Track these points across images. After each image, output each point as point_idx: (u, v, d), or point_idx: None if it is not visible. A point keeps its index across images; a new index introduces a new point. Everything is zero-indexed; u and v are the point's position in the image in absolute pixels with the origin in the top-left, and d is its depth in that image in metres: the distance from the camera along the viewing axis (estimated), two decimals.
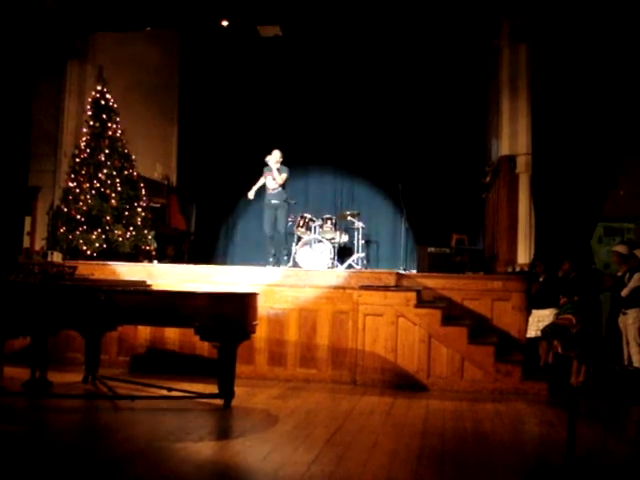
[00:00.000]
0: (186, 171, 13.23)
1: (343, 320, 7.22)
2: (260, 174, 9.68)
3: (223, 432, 5.23)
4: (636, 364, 6.66)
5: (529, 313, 7.37)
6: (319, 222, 10.70)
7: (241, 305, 5.77)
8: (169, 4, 9.15)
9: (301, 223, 10.66)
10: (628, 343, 6.89)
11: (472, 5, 8.82)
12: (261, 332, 6.88)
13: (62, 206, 9.38)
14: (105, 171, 9.36)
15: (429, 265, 8.84)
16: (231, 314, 5.70)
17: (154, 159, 12.28)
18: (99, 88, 9.78)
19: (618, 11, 7.68)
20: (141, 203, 9.87)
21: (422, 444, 4.71)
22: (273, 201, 9.40)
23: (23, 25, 9.14)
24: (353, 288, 7.26)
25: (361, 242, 10.85)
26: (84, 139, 9.66)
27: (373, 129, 12.34)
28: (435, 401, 6.38)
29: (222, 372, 5.77)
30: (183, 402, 5.82)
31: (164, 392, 6.01)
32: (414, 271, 9.13)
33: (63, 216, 9.28)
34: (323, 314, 7.27)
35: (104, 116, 9.68)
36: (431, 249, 9.05)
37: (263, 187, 9.57)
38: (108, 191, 9.33)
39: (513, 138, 9.08)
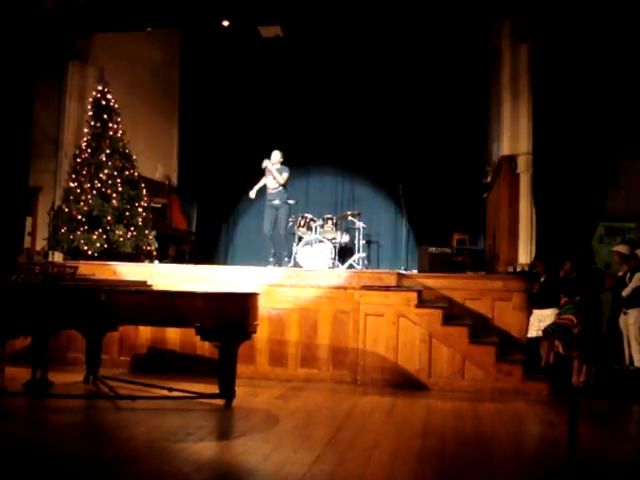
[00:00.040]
0: (187, 171, 13.24)
1: (344, 320, 7.22)
2: (261, 174, 9.68)
3: (224, 432, 5.23)
4: (637, 364, 6.66)
5: (530, 313, 7.36)
6: (320, 222, 10.70)
7: (242, 305, 5.77)
8: (170, 4, 9.16)
9: (302, 223, 10.66)
10: (629, 343, 6.89)
11: (473, 5, 8.82)
12: (262, 332, 6.88)
13: (63, 206, 9.38)
14: (106, 171, 9.36)
15: (430, 265, 8.84)
16: (232, 314, 5.70)
17: (155, 159, 12.29)
18: (100, 88, 9.78)
19: (618, 11, 7.68)
20: (142, 203, 9.87)
21: (423, 444, 4.71)
22: (274, 201, 9.39)
23: (24, 26, 9.16)
24: (354, 288, 7.26)
25: (362, 242, 10.86)
26: (85, 139, 9.66)
27: (374, 129, 12.34)
28: (436, 401, 6.38)
29: (223, 372, 5.77)
30: (184, 402, 5.82)
31: (165, 392, 6.00)
32: (415, 271, 9.12)
33: (64, 216, 9.28)
34: (324, 314, 7.27)
35: (105, 116, 9.68)
36: (432, 249, 9.04)
37: (264, 187, 9.57)
38: (109, 191, 9.33)
39: (514, 138, 9.07)
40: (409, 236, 11.08)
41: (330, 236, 10.57)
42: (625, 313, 6.95)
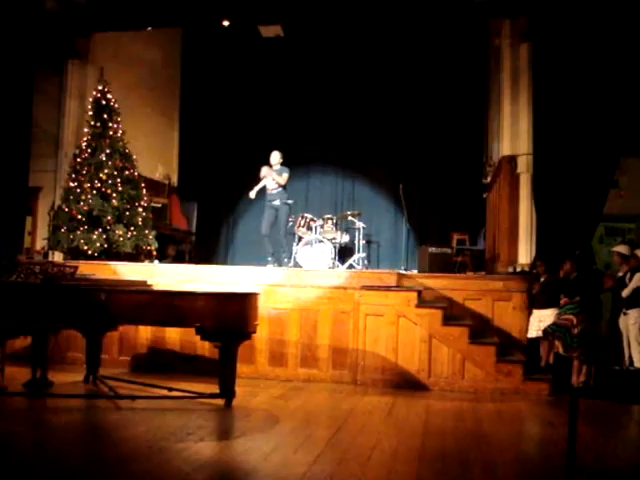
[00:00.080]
0: (187, 171, 13.24)
1: (344, 320, 7.22)
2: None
3: (224, 432, 5.23)
4: (637, 364, 6.66)
5: (530, 313, 7.36)
6: (320, 222, 10.70)
7: (242, 305, 5.77)
8: (170, 4, 9.16)
9: (302, 223, 10.66)
10: (629, 343, 6.90)
11: (473, 5, 8.82)
12: (262, 332, 6.88)
13: (63, 206, 9.38)
14: (106, 171, 9.36)
15: (430, 265, 8.83)
16: (232, 314, 5.69)
17: (155, 159, 12.29)
18: (100, 88, 9.77)
19: (619, 11, 7.68)
20: (142, 203, 9.87)
21: (423, 444, 4.71)
22: (274, 202, 9.39)
23: (23, 25, 9.15)
24: (354, 288, 7.26)
25: (362, 242, 10.86)
26: (85, 139, 9.65)
27: (374, 129, 12.36)
28: (436, 401, 6.38)
29: (223, 372, 5.77)
30: (184, 402, 5.82)
31: (165, 392, 6.00)
32: (415, 271, 9.12)
33: (64, 216, 9.28)
34: (324, 314, 7.27)
35: (105, 116, 9.67)
36: (432, 249, 9.03)
37: (264, 187, 9.56)
38: (109, 191, 9.33)
39: (514, 138, 9.07)
40: (409, 236, 11.08)
41: (330, 236, 10.57)
42: (625, 314, 6.95)
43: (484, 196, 11.32)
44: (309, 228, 10.63)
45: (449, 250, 9.43)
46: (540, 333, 7.11)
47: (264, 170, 9.36)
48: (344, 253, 11.12)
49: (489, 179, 10.84)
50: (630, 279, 6.90)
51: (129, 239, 9.41)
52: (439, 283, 7.72)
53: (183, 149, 13.36)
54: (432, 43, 11.86)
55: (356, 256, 10.64)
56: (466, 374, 6.89)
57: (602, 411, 5.51)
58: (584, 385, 6.46)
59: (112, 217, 9.27)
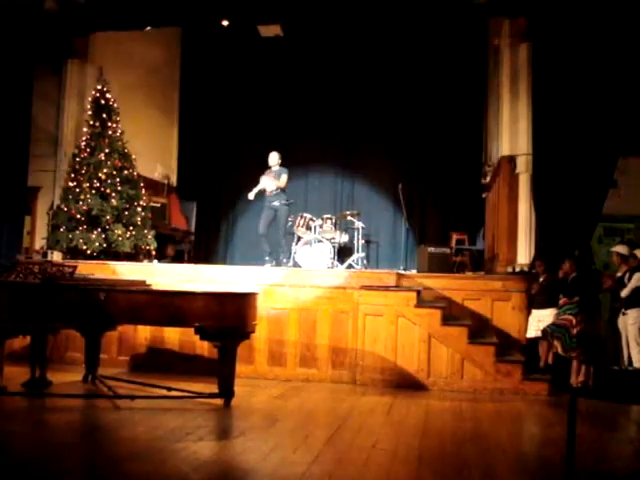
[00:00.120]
0: (186, 170, 13.23)
1: (343, 320, 7.22)
2: (260, 174, 9.68)
3: (223, 432, 5.23)
4: (636, 364, 6.67)
5: (529, 313, 7.37)
6: (319, 222, 10.69)
7: (241, 305, 5.77)
8: (170, 4, 9.14)
9: (301, 223, 10.66)
10: (628, 343, 6.90)
11: (472, 5, 8.81)
12: (261, 332, 6.88)
13: (62, 205, 9.37)
14: (105, 171, 9.35)
15: (429, 265, 8.82)
16: (231, 314, 5.69)
17: (154, 159, 12.27)
18: (99, 87, 9.76)
19: (618, 12, 7.68)
20: (141, 203, 9.86)
21: (422, 444, 4.71)
22: (273, 203, 9.40)
23: (23, 25, 9.14)
24: (353, 288, 7.26)
25: (361, 242, 10.85)
26: (84, 139, 9.64)
27: (373, 129, 12.35)
28: (435, 401, 6.38)
29: (222, 372, 5.77)
30: (183, 402, 5.82)
31: (164, 392, 6.00)
32: (414, 271, 9.11)
33: (63, 215, 9.27)
34: (323, 314, 7.27)
35: (104, 116, 9.67)
36: (431, 249, 9.02)
37: (264, 189, 9.57)
38: (108, 190, 9.32)
39: (513, 138, 9.07)
40: (408, 236, 11.06)
41: (329, 236, 10.57)
42: (624, 314, 6.96)
43: (483, 196, 11.32)
44: (308, 228, 10.62)
45: (448, 250, 9.42)
46: (539, 333, 7.11)
47: (262, 181, 9.39)
48: (343, 253, 11.11)
49: (488, 179, 10.84)
50: (629, 279, 6.90)
51: (128, 239, 9.40)
52: (438, 283, 7.72)
53: (182, 149, 13.35)
54: (431, 43, 11.87)
55: (355, 256, 10.64)
56: (465, 374, 6.90)
57: (601, 411, 5.52)
58: (583, 385, 6.47)
59: (111, 217, 9.26)
